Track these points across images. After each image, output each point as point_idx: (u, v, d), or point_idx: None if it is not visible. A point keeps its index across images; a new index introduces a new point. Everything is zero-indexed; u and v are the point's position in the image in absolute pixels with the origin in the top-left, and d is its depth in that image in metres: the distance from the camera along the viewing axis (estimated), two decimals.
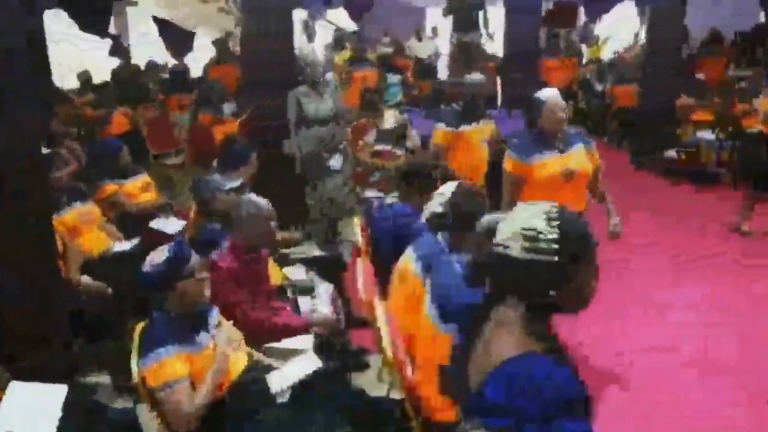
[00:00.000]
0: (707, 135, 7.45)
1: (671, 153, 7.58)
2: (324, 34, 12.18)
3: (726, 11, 10.90)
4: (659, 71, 7.69)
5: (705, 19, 10.26)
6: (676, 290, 4.47)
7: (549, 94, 3.37)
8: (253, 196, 3.13)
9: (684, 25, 8.44)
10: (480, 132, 4.77)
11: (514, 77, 7.59)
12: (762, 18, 11.06)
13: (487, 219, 2.22)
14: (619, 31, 12.33)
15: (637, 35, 11.78)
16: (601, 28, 12.45)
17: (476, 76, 4.98)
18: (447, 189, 2.70)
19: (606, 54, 12.18)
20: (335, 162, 4.80)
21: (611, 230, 3.45)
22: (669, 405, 3.17)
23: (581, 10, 12.43)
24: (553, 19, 11.69)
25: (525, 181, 3.35)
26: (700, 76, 8.87)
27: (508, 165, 3.42)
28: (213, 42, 9.36)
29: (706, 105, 7.83)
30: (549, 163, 3.32)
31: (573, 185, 3.33)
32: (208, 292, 2.47)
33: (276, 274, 3.39)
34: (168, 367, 2.25)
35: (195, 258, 2.44)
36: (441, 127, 4.74)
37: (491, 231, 1.47)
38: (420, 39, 11.73)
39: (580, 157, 3.37)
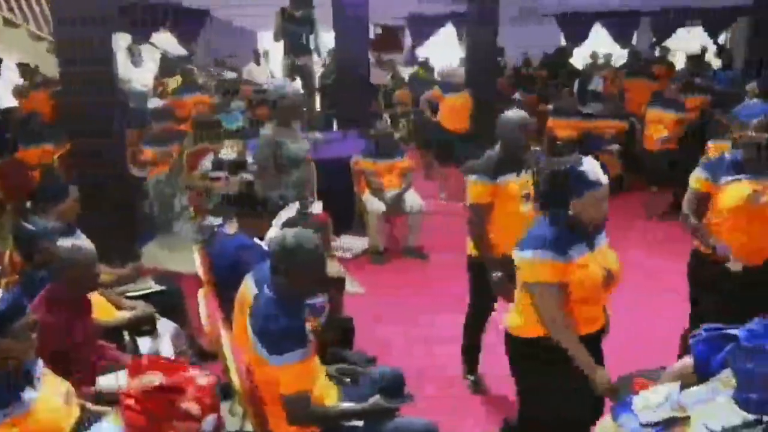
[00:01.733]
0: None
1: None
2: (152, 60, 11.66)
3: (534, 35, 12.11)
4: (480, 91, 8.32)
5: (516, 42, 11.30)
6: None
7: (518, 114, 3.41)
8: (75, 239, 2.91)
9: (499, 48, 9.21)
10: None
11: (345, 100, 7.79)
12: (563, 41, 12.42)
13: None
14: (443, 55, 13.13)
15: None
16: (425, 53, 13.18)
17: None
18: (285, 214, 2.72)
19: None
20: (318, 207, 4.59)
21: None
22: None
23: (407, 34, 13.18)
24: (380, 44, 12.18)
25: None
26: (517, 95, 9.71)
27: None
28: (18, 67, 8.63)
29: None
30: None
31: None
32: (33, 350, 2.25)
33: (107, 314, 3.16)
34: None
35: (26, 313, 2.21)
36: None
37: None
38: (258, 63, 11.64)
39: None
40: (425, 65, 12.02)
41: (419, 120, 9.52)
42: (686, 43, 12.04)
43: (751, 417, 1.54)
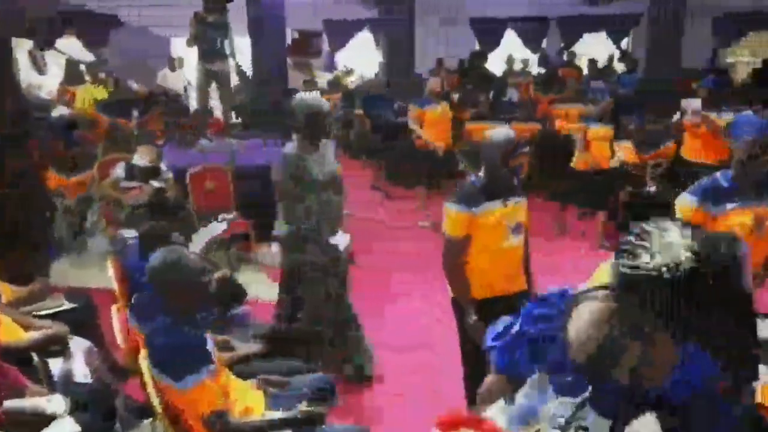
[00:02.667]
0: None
1: None
2: (57, 65, 11.11)
3: (450, 41, 12.38)
4: (395, 96, 8.46)
5: (434, 48, 11.52)
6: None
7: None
8: None
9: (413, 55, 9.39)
10: None
11: (263, 105, 7.70)
12: (477, 46, 12.76)
13: None
14: (361, 60, 13.23)
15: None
16: (343, 58, 13.23)
17: None
18: (214, 227, 2.65)
19: (351, 81, 12.98)
20: (342, 239, 3.73)
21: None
22: None
23: (324, 39, 13.17)
24: (298, 49, 12.11)
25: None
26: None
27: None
28: None
29: None
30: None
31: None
32: None
33: (13, 335, 2.98)
34: None
35: None
36: None
37: None
38: (173, 69, 11.30)
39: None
40: (347, 72, 12.19)
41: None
42: (592, 48, 12.66)
43: (577, 400, 1.48)
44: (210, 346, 2.42)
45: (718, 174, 2.90)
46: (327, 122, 3.66)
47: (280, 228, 3.64)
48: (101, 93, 9.05)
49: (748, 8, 10.83)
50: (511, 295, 2.84)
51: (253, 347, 2.94)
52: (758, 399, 2.11)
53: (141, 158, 5.30)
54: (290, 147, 3.58)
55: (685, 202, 2.89)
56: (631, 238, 1.31)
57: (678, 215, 2.83)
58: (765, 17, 11.02)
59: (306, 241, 3.47)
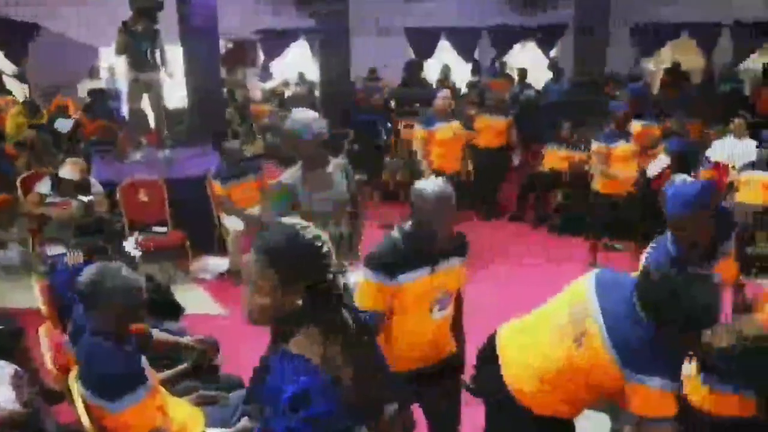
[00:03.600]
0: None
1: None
2: None
3: (385, 51, 12.50)
4: (331, 106, 8.49)
5: (370, 58, 11.57)
6: None
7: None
8: None
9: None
10: None
11: (198, 116, 7.55)
12: (413, 55, 12.95)
13: None
14: (296, 69, 13.15)
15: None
16: (278, 66, 13.13)
17: None
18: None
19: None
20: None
21: None
22: None
23: (259, 48, 13.03)
24: (232, 59, 11.97)
25: None
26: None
27: None
28: None
29: None
30: None
31: None
32: None
33: None
34: None
35: None
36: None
37: None
38: (94, 78, 10.96)
39: None
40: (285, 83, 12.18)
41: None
42: (522, 57, 13.03)
43: None
44: (144, 363, 2.35)
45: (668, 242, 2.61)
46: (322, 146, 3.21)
47: None
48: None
49: (665, 19, 11.41)
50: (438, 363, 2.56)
51: (188, 364, 2.86)
52: (685, 390, 2.24)
53: (68, 172, 5.09)
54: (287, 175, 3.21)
55: None
56: None
57: None
58: (682, 27, 11.66)
59: None
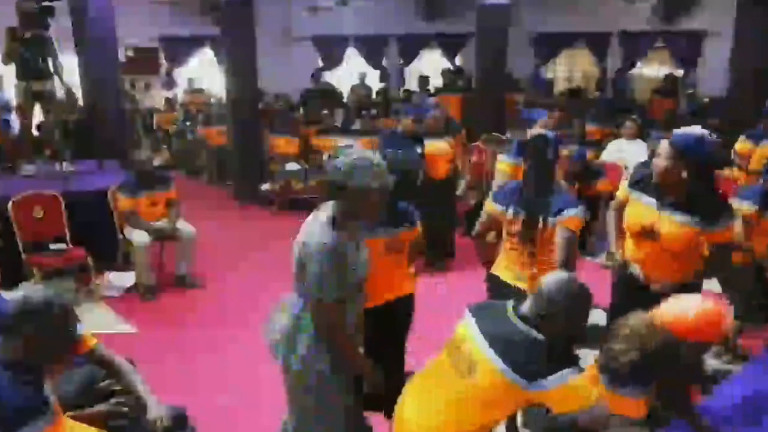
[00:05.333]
0: (294, 166, 8.39)
1: (266, 186, 8.43)
2: None
3: (294, 59, 12.44)
4: (241, 115, 8.38)
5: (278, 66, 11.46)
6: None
7: None
8: None
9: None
10: None
11: (99, 125, 7.21)
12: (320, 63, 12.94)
13: None
14: (203, 78, 12.84)
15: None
16: (185, 74, 12.76)
17: None
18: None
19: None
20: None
21: None
22: None
23: (161, 56, 12.61)
24: (134, 67, 11.51)
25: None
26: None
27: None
28: None
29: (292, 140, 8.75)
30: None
31: None
32: None
33: None
34: None
35: None
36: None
37: None
38: None
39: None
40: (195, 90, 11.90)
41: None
42: (428, 64, 13.34)
43: None
44: (48, 391, 2.20)
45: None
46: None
47: None
48: None
49: (558, 29, 12.03)
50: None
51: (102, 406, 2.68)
52: (588, 372, 2.35)
53: None
54: (327, 233, 2.33)
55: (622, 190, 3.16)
56: None
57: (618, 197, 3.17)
58: (574, 37, 12.34)
59: None
